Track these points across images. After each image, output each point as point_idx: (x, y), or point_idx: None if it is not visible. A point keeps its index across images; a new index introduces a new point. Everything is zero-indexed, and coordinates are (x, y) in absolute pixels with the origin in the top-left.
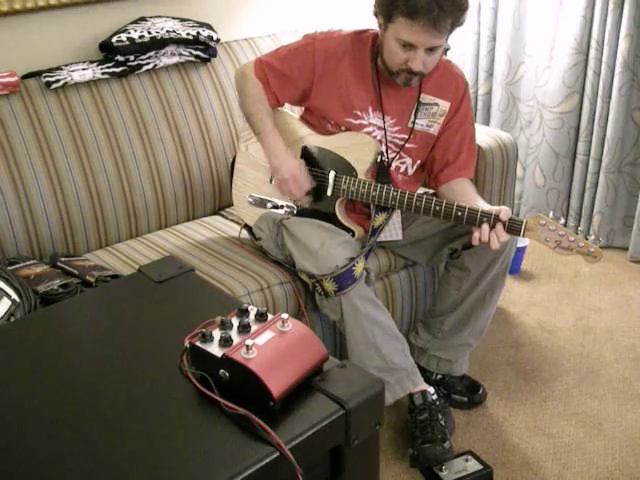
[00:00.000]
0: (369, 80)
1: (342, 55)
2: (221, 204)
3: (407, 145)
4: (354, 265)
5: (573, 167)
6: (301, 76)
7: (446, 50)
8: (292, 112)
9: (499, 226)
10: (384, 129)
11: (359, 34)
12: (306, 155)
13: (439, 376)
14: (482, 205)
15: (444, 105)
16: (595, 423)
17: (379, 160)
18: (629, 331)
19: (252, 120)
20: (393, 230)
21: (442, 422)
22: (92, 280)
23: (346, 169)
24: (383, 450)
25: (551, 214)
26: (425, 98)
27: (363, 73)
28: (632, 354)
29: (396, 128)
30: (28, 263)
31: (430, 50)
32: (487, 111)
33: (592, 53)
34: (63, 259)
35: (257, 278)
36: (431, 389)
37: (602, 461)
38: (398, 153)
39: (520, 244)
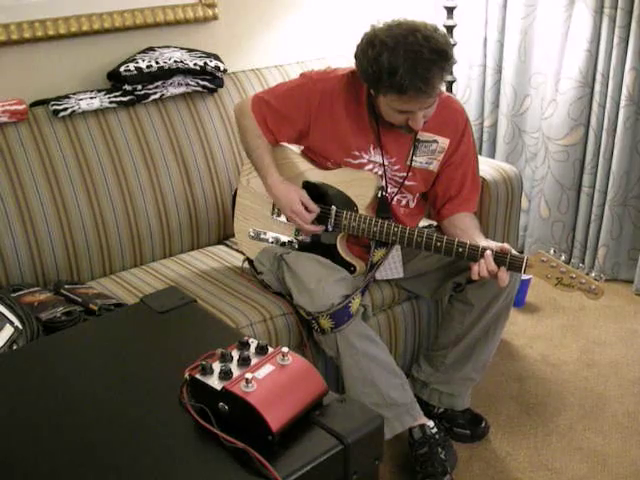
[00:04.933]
0: (366, 121)
1: (337, 96)
2: (226, 233)
3: (407, 182)
4: (350, 302)
5: (578, 199)
6: (298, 116)
7: (452, 82)
8: (293, 147)
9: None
10: (384, 166)
11: (355, 73)
12: (307, 190)
13: (441, 409)
14: (481, 242)
15: (443, 142)
16: (599, 458)
17: (380, 195)
18: (634, 365)
19: (252, 156)
20: (394, 268)
21: (442, 456)
22: (95, 308)
23: (347, 204)
24: None
25: (552, 251)
26: (424, 135)
27: (359, 114)
28: (637, 388)
29: (396, 167)
30: (32, 290)
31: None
32: (492, 143)
33: (597, 86)
34: (67, 286)
35: (260, 309)
36: (430, 423)
37: None
38: (399, 189)
39: (524, 276)
